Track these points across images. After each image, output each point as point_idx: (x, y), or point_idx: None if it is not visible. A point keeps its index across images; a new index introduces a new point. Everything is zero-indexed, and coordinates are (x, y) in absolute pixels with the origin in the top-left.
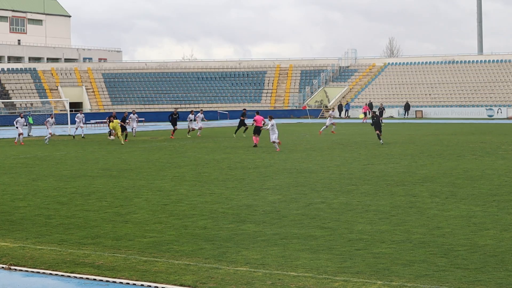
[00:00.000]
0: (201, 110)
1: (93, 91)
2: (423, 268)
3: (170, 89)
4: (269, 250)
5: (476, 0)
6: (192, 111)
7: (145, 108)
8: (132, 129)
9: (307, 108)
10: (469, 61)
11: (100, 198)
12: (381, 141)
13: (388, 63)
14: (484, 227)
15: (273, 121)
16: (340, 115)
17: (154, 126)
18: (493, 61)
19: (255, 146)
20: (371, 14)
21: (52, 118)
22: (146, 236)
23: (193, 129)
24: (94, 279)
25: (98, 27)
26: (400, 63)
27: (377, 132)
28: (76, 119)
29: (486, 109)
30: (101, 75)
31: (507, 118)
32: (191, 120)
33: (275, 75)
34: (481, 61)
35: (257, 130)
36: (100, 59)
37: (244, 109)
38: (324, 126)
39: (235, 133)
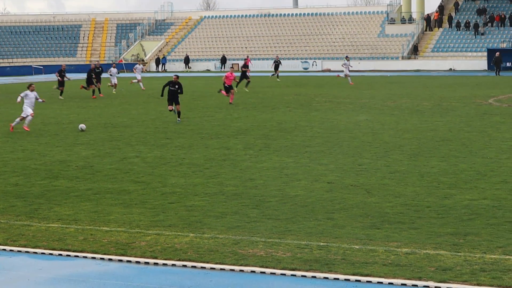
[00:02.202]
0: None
1: None
2: (235, 219)
3: None
4: (82, 205)
5: None
6: (114, 64)
7: None
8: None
9: (123, 62)
10: (284, 14)
11: None
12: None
13: (205, 16)
14: (295, 178)
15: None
16: (156, 68)
17: None
18: (308, 14)
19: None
20: None
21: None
22: None
23: (115, 84)
24: None
25: None
26: (216, 16)
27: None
28: None
29: (302, 62)
30: None
31: (322, 71)
32: (111, 75)
33: (90, 29)
34: (296, 14)
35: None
36: None
37: (247, 58)
38: (343, 75)
39: (236, 86)
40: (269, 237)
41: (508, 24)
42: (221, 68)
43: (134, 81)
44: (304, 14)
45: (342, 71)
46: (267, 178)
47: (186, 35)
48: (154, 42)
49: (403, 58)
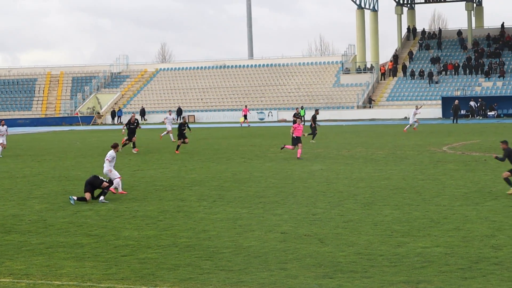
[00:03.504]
0: (169, 111)
1: None
2: (188, 271)
3: None
4: (34, 260)
5: (245, 6)
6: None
7: None
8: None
9: (79, 115)
10: (240, 66)
11: None
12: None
13: (160, 69)
14: (249, 228)
15: None
16: (112, 121)
17: None
18: (264, 65)
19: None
20: (141, 20)
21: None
22: None
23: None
24: None
25: None
26: (172, 69)
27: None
28: None
29: (257, 112)
30: None
31: (278, 121)
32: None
33: (46, 82)
34: (251, 65)
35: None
36: None
37: (316, 111)
38: (408, 125)
39: (312, 139)
40: None
41: (462, 72)
42: (177, 119)
43: (163, 133)
44: (259, 65)
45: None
46: (221, 229)
47: (142, 87)
48: (109, 95)
49: (358, 107)
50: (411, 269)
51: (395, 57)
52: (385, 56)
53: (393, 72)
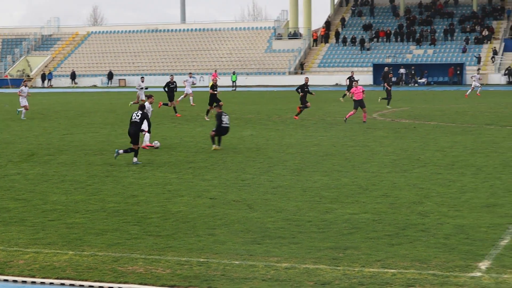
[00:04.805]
0: (190, 73)
1: None
2: (116, 236)
3: None
4: None
5: None
6: (142, 76)
7: None
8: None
9: (9, 77)
10: (172, 30)
11: None
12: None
13: (92, 32)
14: (178, 194)
15: None
16: (42, 84)
17: None
18: (196, 29)
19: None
20: None
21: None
22: None
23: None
24: None
25: None
26: (103, 32)
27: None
28: None
29: (189, 77)
30: None
31: (233, 86)
32: (141, 88)
33: None
34: (184, 29)
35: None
36: None
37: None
38: (470, 90)
39: (387, 104)
40: (149, 254)
41: (393, 39)
42: (108, 83)
43: (181, 97)
44: (191, 29)
45: (476, 85)
46: (150, 195)
47: (73, 51)
48: (40, 58)
49: (289, 73)
50: (338, 235)
51: (328, 24)
52: (318, 23)
53: (325, 38)
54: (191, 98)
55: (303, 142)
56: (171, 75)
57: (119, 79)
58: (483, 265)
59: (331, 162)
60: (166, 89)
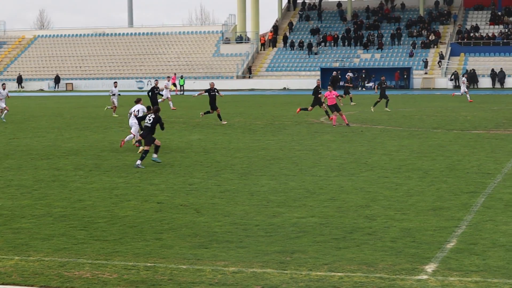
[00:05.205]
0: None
1: None
2: (62, 241)
3: None
4: None
5: None
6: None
7: None
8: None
9: None
10: (119, 34)
11: None
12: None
13: (38, 35)
14: (125, 198)
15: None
16: None
17: None
18: (143, 34)
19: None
20: None
21: None
22: None
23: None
24: None
25: None
26: (50, 36)
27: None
28: None
29: (136, 81)
30: None
31: (180, 90)
32: (113, 94)
33: None
34: (131, 33)
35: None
36: None
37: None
38: (462, 93)
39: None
40: (96, 259)
41: (341, 43)
42: (55, 87)
43: (159, 100)
44: (139, 33)
45: (460, 88)
46: (97, 199)
47: (19, 54)
48: None
49: (237, 77)
50: (286, 239)
51: (275, 28)
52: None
53: (273, 42)
54: (170, 102)
55: (251, 146)
56: (156, 80)
57: (66, 83)
58: (429, 268)
59: (278, 166)
60: (150, 94)
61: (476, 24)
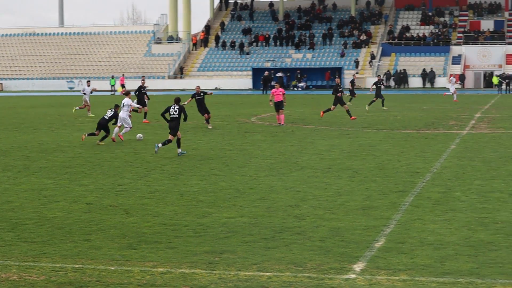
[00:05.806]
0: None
1: None
2: None
3: None
4: None
5: None
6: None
7: None
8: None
9: None
10: (50, 34)
11: None
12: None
13: None
14: (54, 199)
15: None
16: None
17: None
18: (74, 33)
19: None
20: None
21: None
22: None
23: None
24: None
25: None
26: None
27: None
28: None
29: (67, 81)
30: None
31: (111, 90)
32: (84, 93)
33: None
34: (62, 33)
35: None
36: None
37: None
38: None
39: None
40: (23, 261)
41: (273, 43)
42: None
43: (76, 107)
44: (70, 33)
45: (449, 89)
46: (25, 200)
47: None
48: None
49: (169, 77)
50: (215, 239)
51: (207, 28)
52: (198, 27)
53: (205, 42)
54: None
55: (182, 145)
56: (143, 79)
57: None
58: (358, 267)
59: (208, 166)
60: (137, 93)
61: (407, 24)
